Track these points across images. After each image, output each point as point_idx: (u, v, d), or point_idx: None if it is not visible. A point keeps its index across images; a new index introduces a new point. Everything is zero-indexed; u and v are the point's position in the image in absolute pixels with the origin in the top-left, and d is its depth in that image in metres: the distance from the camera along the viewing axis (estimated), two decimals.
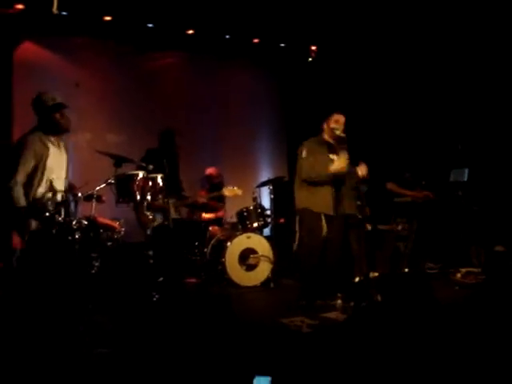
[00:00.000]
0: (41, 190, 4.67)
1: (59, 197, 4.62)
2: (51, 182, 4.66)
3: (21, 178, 4.62)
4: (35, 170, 4.68)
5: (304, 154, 5.66)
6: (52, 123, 4.82)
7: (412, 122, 7.92)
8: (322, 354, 3.91)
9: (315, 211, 5.57)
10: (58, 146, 4.86)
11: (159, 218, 6.04)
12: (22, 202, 4.61)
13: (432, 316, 4.21)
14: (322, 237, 5.54)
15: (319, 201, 5.57)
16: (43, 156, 4.70)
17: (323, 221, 5.56)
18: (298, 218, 5.89)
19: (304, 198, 5.65)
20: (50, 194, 4.66)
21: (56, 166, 4.80)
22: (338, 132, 5.60)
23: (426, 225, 7.12)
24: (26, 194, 4.65)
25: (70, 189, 4.92)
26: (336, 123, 5.64)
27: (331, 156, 5.63)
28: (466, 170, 7.44)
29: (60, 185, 4.80)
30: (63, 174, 4.91)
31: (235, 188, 6.91)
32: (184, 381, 3.43)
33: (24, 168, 4.63)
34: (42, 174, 4.70)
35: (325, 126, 5.73)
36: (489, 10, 7.09)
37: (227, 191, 6.92)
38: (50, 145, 4.76)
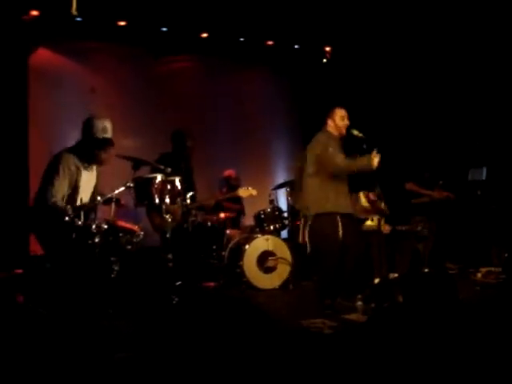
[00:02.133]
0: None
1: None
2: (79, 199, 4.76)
3: (60, 193, 4.67)
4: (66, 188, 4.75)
5: (331, 149, 5.40)
6: (92, 157, 4.87)
7: (429, 121, 7.86)
8: (344, 356, 3.87)
9: (333, 211, 5.41)
10: (91, 168, 4.93)
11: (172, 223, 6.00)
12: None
13: (455, 316, 4.15)
14: (338, 241, 5.42)
15: (341, 201, 5.44)
16: (75, 179, 4.77)
17: (339, 225, 5.41)
18: (310, 223, 5.59)
19: (322, 200, 5.44)
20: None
21: (85, 187, 4.90)
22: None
23: (445, 225, 7.06)
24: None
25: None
26: (343, 120, 5.49)
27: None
28: (485, 169, 7.38)
29: (85, 198, 4.86)
30: (90, 191, 4.97)
31: (250, 188, 6.89)
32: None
33: (60, 185, 4.69)
34: (72, 193, 4.77)
35: (330, 123, 5.55)
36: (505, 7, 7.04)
37: (242, 192, 6.90)
38: (82, 169, 4.83)
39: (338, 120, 5.51)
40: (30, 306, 4.93)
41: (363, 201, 6.29)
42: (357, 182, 5.79)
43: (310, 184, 5.53)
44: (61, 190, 4.68)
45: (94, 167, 5.01)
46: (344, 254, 5.46)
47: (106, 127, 4.81)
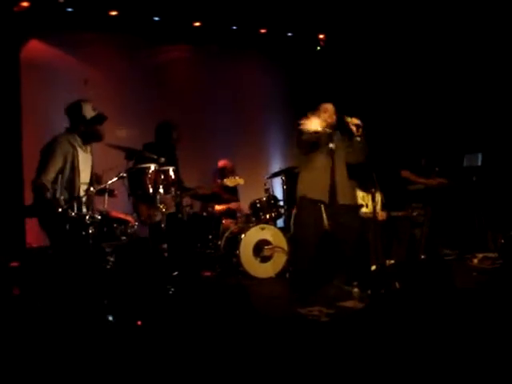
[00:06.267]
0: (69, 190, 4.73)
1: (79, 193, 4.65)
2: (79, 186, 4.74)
3: (50, 176, 4.67)
4: (63, 170, 4.73)
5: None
6: (93, 134, 4.94)
7: (424, 108, 7.84)
8: (340, 343, 3.88)
9: (314, 199, 5.50)
10: (85, 149, 4.93)
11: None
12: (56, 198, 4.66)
13: (451, 302, 4.15)
14: (320, 229, 5.49)
15: (317, 187, 5.50)
16: (72, 157, 4.77)
17: (323, 212, 5.48)
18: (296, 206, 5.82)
19: (303, 184, 5.61)
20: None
21: (83, 167, 4.88)
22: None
23: (441, 211, 7.05)
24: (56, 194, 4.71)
25: (98, 180, 4.99)
26: (325, 112, 5.54)
27: (330, 145, 5.54)
28: (480, 155, 7.36)
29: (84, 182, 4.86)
30: (88, 175, 4.96)
31: (237, 178, 6.87)
32: (202, 373, 3.40)
33: (53, 168, 4.69)
34: (72, 175, 4.76)
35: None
36: None
37: (229, 181, 6.87)
38: (77, 147, 4.82)
39: (323, 113, 5.58)
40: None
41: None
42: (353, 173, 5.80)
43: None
44: (52, 170, 4.72)
45: (89, 148, 5.01)
46: (338, 245, 5.55)
47: (94, 107, 4.96)
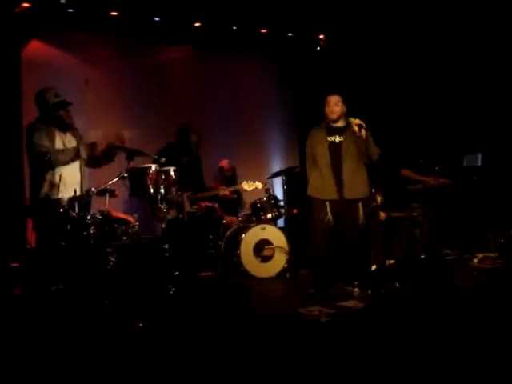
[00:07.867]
0: (52, 182, 4.72)
1: (72, 191, 4.62)
2: (60, 175, 4.70)
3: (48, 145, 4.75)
4: None
5: (307, 147, 5.71)
6: (57, 120, 4.95)
7: (424, 107, 7.85)
8: (341, 343, 3.88)
9: (321, 198, 5.51)
10: (64, 135, 4.93)
11: (173, 212, 6.02)
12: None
13: (452, 302, 4.16)
14: (326, 224, 5.47)
15: (323, 186, 5.50)
16: (52, 141, 4.78)
17: (328, 208, 5.48)
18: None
19: (311, 184, 5.62)
20: (62, 188, 4.69)
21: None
22: (333, 116, 5.49)
23: (441, 211, 7.06)
24: (38, 187, 4.70)
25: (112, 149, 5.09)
26: (328, 107, 5.53)
27: (330, 138, 5.53)
28: (480, 155, 7.37)
29: (72, 176, 4.84)
30: (76, 164, 4.96)
31: (256, 182, 6.92)
32: (203, 373, 3.40)
33: (42, 142, 4.78)
34: None
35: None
36: None
37: (247, 185, 6.91)
38: (55, 132, 4.84)
39: (326, 107, 5.57)
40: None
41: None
42: None
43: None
44: (44, 143, 4.81)
45: (68, 135, 5.04)
46: (339, 240, 5.55)
47: (57, 92, 5.00)
